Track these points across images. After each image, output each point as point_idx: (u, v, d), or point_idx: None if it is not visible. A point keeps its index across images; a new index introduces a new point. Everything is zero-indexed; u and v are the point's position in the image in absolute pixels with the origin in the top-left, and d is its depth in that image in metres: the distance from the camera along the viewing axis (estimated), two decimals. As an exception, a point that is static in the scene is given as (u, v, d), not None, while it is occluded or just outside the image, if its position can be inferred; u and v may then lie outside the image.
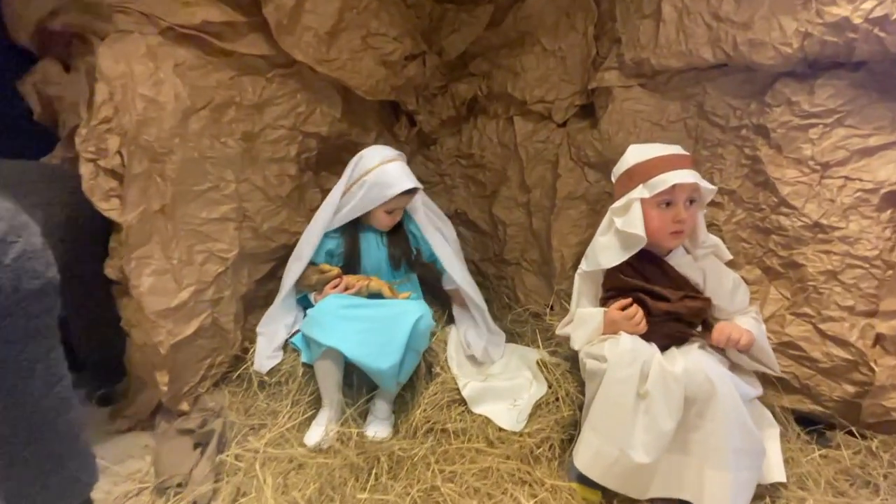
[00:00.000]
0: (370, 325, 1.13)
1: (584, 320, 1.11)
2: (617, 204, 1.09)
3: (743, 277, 1.23)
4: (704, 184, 1.02)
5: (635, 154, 1.07)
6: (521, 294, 1.67)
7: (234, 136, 1.18)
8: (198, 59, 1.09)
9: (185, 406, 1.16)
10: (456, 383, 1.21)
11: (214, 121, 1.13)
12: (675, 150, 1.06)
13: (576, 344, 1.11)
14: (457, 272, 1.35)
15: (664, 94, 1.36)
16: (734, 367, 1.03)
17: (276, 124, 1.29)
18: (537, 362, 1.28)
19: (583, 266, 1.15)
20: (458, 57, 1.68)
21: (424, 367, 1.24)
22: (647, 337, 1.02)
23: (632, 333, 1.01)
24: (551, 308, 1.55)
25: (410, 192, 1.23)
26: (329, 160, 1.50)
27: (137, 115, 0.99)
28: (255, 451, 0.98)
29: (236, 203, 1.20)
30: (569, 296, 1.51)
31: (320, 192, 1.47)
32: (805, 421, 1.15)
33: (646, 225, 1.02)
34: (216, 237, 1.18)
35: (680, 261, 1.09)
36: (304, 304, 1.33)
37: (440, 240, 1.38)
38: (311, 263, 1.28)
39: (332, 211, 1.26)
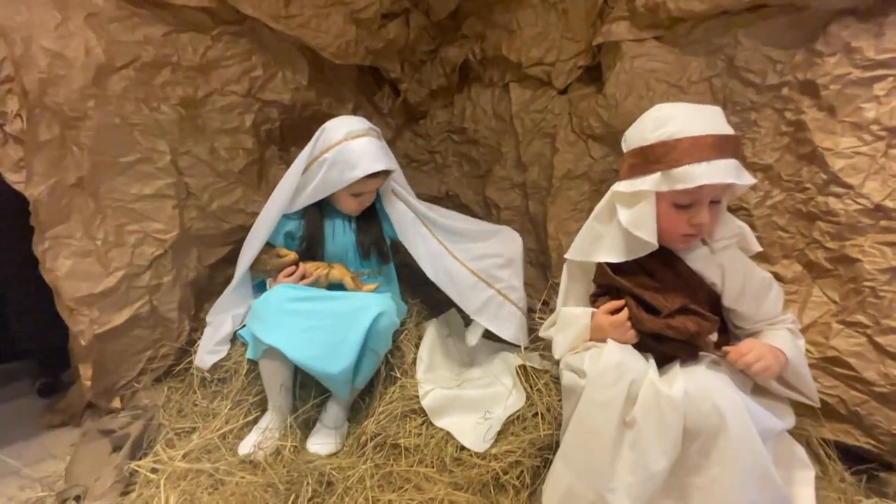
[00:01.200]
0: (320, 323, 0.97)
1: (567, 322, 0.91)
2: (623, 187, 0.83)
3: (777, 275, 0.98)
4: (745, 180, 0.75)
5: (661, 122, 0.77)
6: (515, 287, 1.47)
7: (170, 101, 1.04)
8: (119, 11, 0.95)
9: (116, 403, 1.05)
10: (417, 389, 1.03)
11: (142, 82, 0.99)
12: (717, 122, 0.76)
13: (556, 351, 0.91)
14: (438, 273, 1.13)
15: (685, 47, 1.11)
16: (759, 389, 0.80)
17: (226, 90, 1.14)
18: (517, 368, 1.08)
19: (571, 254, 0.94)
20: (449, 16, 1.47)
21: (386, 370, 1.07)
22: (642, 347, 0.81)
23: (621, 343, 0.80)
24: (545, 303, 1.34)
25: (381, 175, 1.05)
26: (297, 133, 1.34)
27: (41, 72, 0.86)
28: (165, 461, 0.85)
29: (174, 178, 1.06)
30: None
31: (286, 169, 1.31)
32: (852, 457, 0.91)
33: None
34: (151, 216, 1.05)
35: (693, 254, 0.85)
36: (263, 290, 1.19)
37: (416, 235, 1.16)
38: (270, 245, 1.12)
39: (291, 189, 1.10)
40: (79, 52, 0.89)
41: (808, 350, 0.92)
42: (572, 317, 0.90)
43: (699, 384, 0.70)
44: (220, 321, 1.14)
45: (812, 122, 0.93)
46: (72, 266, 0.96)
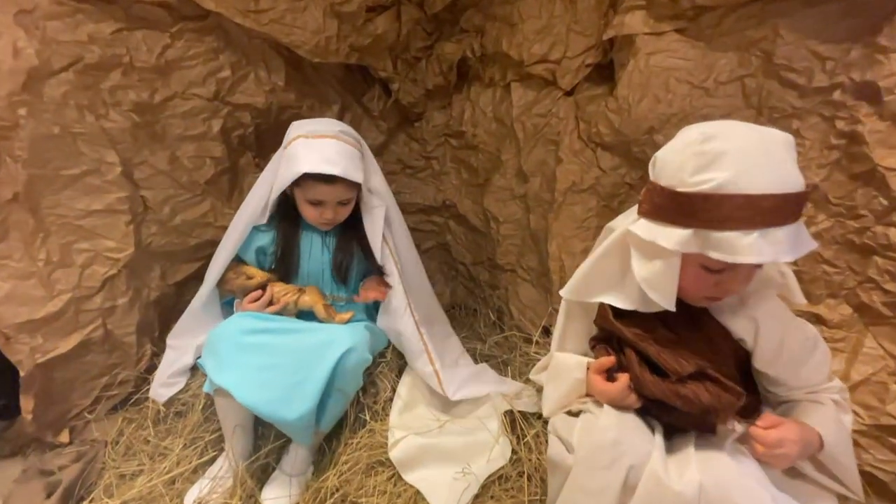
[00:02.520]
0: (279, 360, 0.85)
1: (558, 373, 0.76)
2: (641, 230, 0.63)
3: (821, 318, 0.82)
4: (805, 249, 0.56)
5: (708, 161, 0.56)
6: (514, 309, 1.33)
7: (121, 106, 0.94)
8: (58, 7, 0.84)
9: (63, 436, 0.96)
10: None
11: (86, 87, 0.89)
12: (785, 169, 0.55)
13: (546, 406, 0.77)
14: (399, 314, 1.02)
15: (711, 42, 0.93)
16: (794, 472, 0.64)
17: (189, 93, 1.03)
18: (503, 415, 0.95)
19: (565, 291, 0.79)
20: (445, 8, 1.32)
21: (354, 411, 0.95)
22: (647, 411, 0.66)
23: (620, 408, 0.65)
24: (545, 331, 1.20)
25: (340, 184, 0.92)
26: (276, 139, 1.21)
27: (-38, 76, 0.77)
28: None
29: (127, 191, 0.96)
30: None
31: (263, 178, 1.20)
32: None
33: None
34: (102, 233, 0.95)
35: (721, 305, 0.69)
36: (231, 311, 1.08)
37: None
38: (239, 261, 1.01)
39: (264, 196, 0.98)
40: (6, 53, 0.79)
41: (856, 414, 0.75)
42: (564, 367, 0.75)
43: (718, 477, 0.54)
44: (182, 348, 1.04)
45: (871, 134, 0.75)
46: (10, 290, 0.87)
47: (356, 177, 0.90)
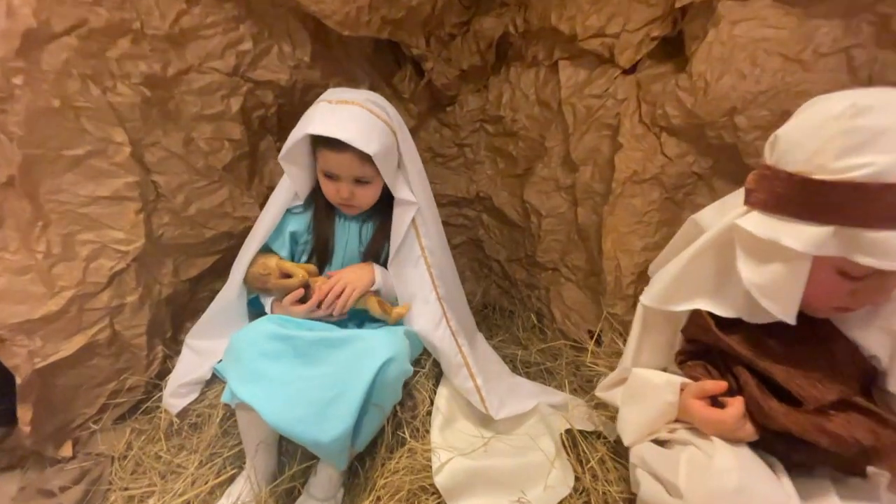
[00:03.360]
0: (310, 372, 0.74)
1: (641, 393, 0.65)
2: (754, 225, 0.51)
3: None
4: None
5: (862, 139, 0.44)
6: (556, 312, 1.21)
7: (130, 79, 0.83)
8: (59, -41, 0.73)
9: (66, 449, 0.86)
10: (431, 455, 0.80)
11: (90, 55, 0.78)
12: None
13: (626, 432, 0.65)
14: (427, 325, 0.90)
15: (810, 6, 0.80)
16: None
17: (206, 67, 0.92)
18: (561, 435, 0.83)
19: (647, 297, 0.67)
20: (485, -21, 1.20)
21: (391, 426, 0.84)
22: (764, 445, 0.54)
23: (732, 441, 0.53)
24: (597, 340, 1.07)
25: (356, 156, 0.80)
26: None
27: (-53, 38, 0.67)
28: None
29: (137, 176, 0.85)
30: (625, 325, 1.04)
31: (285, 164, 1.09)
32: None
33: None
34: (109, 223, 0.85)
35: (849, 315, 0.56)
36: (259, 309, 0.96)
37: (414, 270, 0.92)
38: (268, 251, 0.90)
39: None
40: (-3, 12, 0.68)
41: None
42: (649, 387, 0.63)
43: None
44: (201, 351, 0.92)
45: None
46: (5, 286, 0.76)
47: (365, 145, 0.77)
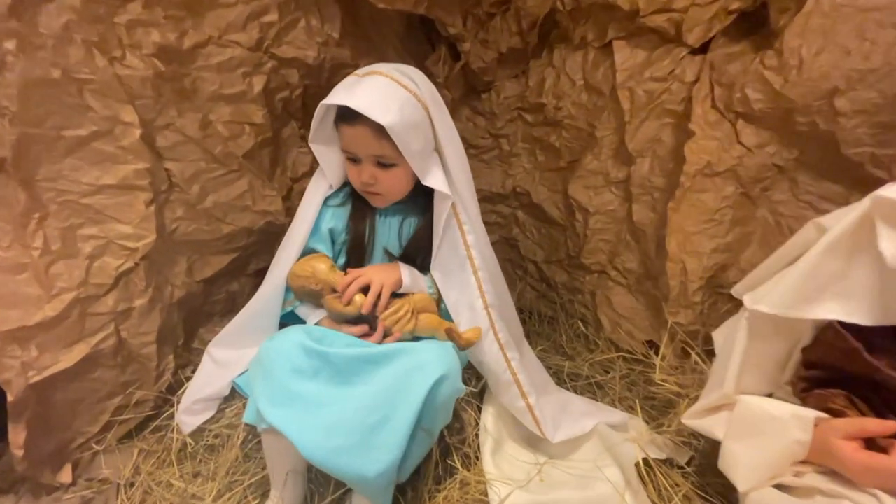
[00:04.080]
0: (350, 393, 0.64)
1: (758, 427, 0.53)
2: None
3: None
4: None
5: None
6: (605, 319, 1.10)
7: (141, 49, 0.72)
8: None
9: (65, 475, 0.75)
10: (486, 488, 0.69)
11: (95, 19, 0.67)
12: None
13: (738, 476, 0.54)
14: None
15: (938, -32, 0.69)
16: None
17: (226, 40, 0.81)
18: (638, 465, 0.72)
19: (765, 302, 0.55)
20: (530, -50, 1.09)
21: (439, 450, 0.73)
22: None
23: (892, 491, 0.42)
24: (660, 353, 0.96)
25: (372, 130, 0.68)
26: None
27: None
28: None
29: (148, 162, 0.74)
30: (692, 336, 0.92)
31: (310, 153, 0.98)
32: None
33: None
34: (116, 215, 0.74)
35: None
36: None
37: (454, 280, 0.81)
38: (312, 254, 0.79)
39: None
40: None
41: None
42: (770, 420, 0.52)
43: None
44: (227, 361, 0.81)
45: None
46: (-6, 287, 0.66)
47: (380, 115, 0.64)
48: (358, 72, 0.72)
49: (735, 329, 0.61)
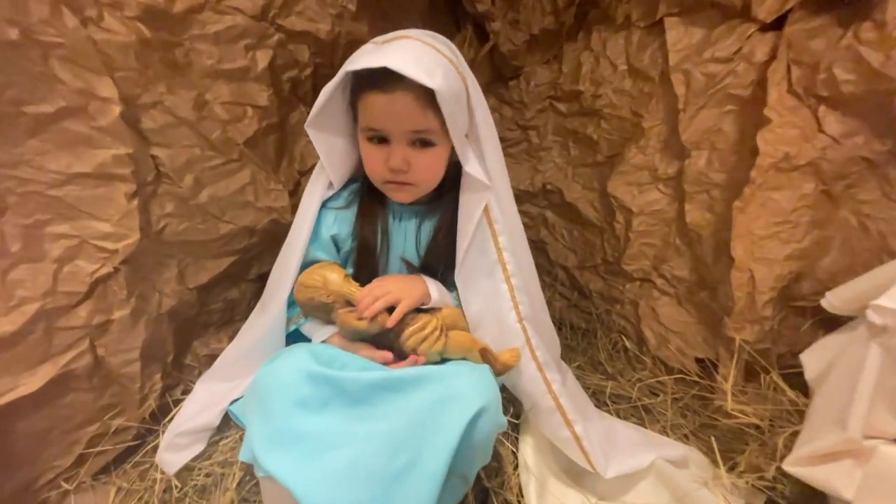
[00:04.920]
0: (367, 431, 0.52)
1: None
2: None
3: None
4: None
5: None
6: (649, 333, 0.97)
7: (123, 10, 0.60)
8: None
9: (27, 519, 0.63)
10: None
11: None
12: None
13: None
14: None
15: None
16: None
17: (225, 5, 0.69)
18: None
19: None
20: (569, -82, 0.97)
21: (475, 495, 0.60)
22: None
23: None
24: (718, 372, 0.84)
25: (414, 96, 0.56)
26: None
27: None
28: None
29: (130, 147, 0.62)
30: (764, 355, 0.80)
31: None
32: None
33: None
34: (91, 210, 0.62)
35: None
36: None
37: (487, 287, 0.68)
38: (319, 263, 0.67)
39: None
40: None
41: None
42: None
43: None
44: (219, 396, 0.69)
45: None
46: (-63, 296, 0.53)
47: (426, 77, 0.53)
48: (377, 39, 0.60)
49: (857, 355, 0.49)
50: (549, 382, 0.68)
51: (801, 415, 0.70)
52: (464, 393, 0.53)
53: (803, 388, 0.71)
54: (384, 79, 0.54)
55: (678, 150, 0.92)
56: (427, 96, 0.55)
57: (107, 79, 0.58)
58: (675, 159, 0.93)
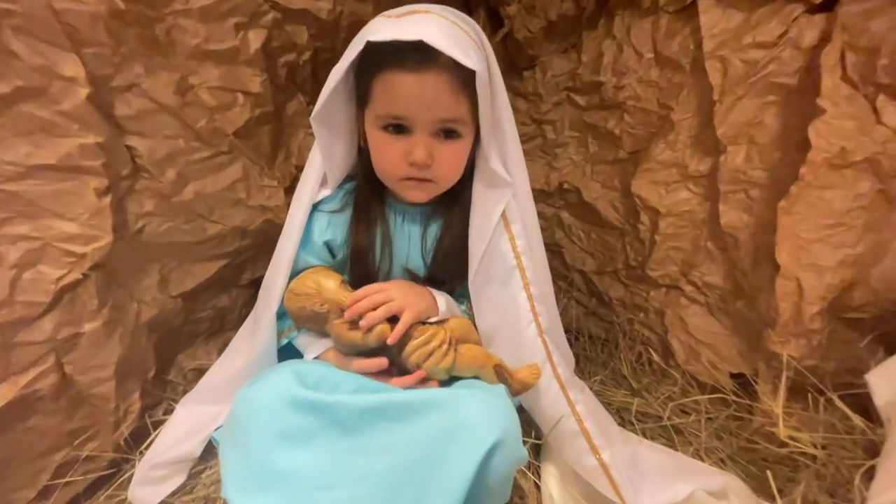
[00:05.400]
0: (364, 465, 0.44)
1: None
2: None
3: None
4: None
5: None
6: (677, 344, 0.89)
7: (91, -26, 0.52)
8: None
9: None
10: None
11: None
12: None
13: None
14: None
15: None
16: None
17: (213, -23, 0.61)
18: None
19: None
20: None
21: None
22: None
23: None
24: (739, 384, 0.76)
25: (448, 78, 0.49)
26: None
27: None
28: None
29: (100, 135, 0.54)
30: (816, 374, 0.71)
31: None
32: None
33: None
34: (55, 208, 0.54)
35: None
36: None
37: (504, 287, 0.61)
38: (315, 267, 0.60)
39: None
40: None
41: None
42: None
43: None
44: (199, 417, 0.61)
45: None
46: None
47: (462, 55, 0.46)
48: (389, 12, 0.52)
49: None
50: (573, 403, 0.61)
51: (858, 443, 0.62)
52: (477, 421, 0.45)
53: (858, 410, 0.63)
54: (411, 56, 0.46)
55: (711, 146, 0.84)
56: (460, 79, 0.48)
57: (72, 55, 0.50)
58: (707, 155, 0.86)
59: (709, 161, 0.85)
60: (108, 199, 0.56)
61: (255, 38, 0.66)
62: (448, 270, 0.63)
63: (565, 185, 1.07)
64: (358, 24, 0.77)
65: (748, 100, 0.79)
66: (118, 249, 0.59)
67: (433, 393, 0.49)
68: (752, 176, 0.79)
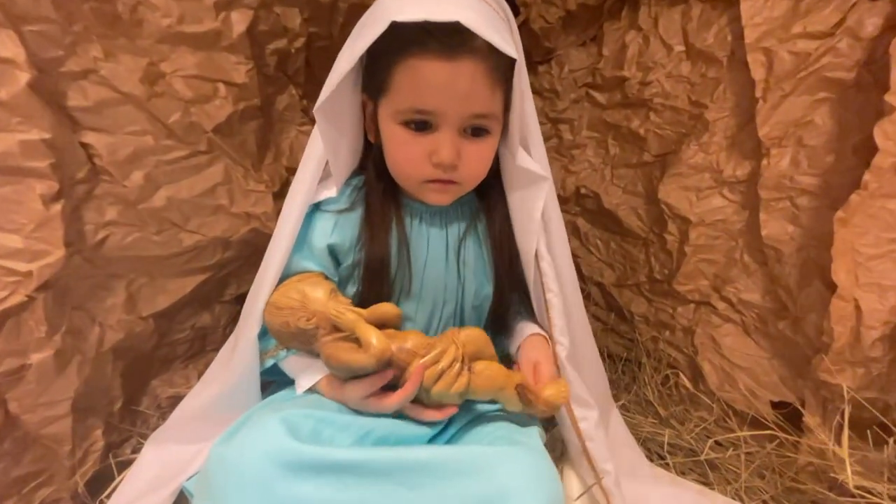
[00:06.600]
0: None
1: None
2: None
3: None
4: None
5: None
6: (709, 368, 0.81)
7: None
8: None
9: None
10: None
11: None
12: None
13: None
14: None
15: None
16: None
17: (190, -55, 0.52)
18: None
19: None
20: None
21: None
22: None
23: None
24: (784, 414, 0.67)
25: (485, 68, 0.41)
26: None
27: None
28: None
29: (48, 131, 0.44)
30: (879, 406, 0.63)
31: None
32: None
33: None
34: (-7, 218, 0.44)
35: None
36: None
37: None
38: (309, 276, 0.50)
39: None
40: None
41: None
42: None
43: None
44: (168, 463, 0.52)
45: None
46: None
47: (502, 41, 0.39)
48: None
49: None
50: (576, 420, 0.53)
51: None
52: (516, 490, 0.37)
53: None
54: (444, 40, 0.38)
55: (751, 148, 0.75)
56: (496, 69, 0.41)
57: (9, 33, 0.41)
58: (745, 159, 0.77)
59: (747, 165, 0.77)
60: (58, 207, 0.46)
61: (240, 20, 0.57)
62: (518, 278, 0.56)
63: (582, 190, 0.98)
64: (358, 8, 0.69)
65: (796, 97, 0.70)
66: (73, 266, 0.50)
67: (461, 452, 0.40)
68: (799, 182, 0.71)
